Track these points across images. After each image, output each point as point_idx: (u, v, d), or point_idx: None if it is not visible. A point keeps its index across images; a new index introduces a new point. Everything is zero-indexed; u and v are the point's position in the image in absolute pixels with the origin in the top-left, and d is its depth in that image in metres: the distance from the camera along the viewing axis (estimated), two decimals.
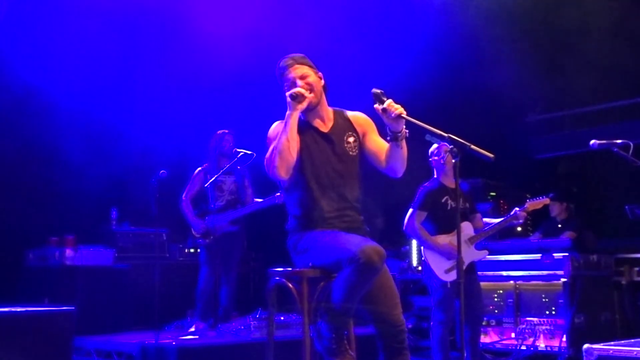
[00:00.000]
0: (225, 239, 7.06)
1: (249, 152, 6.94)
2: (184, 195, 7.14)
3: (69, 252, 7.35)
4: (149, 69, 8.40)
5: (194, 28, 8.43)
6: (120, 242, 7.94)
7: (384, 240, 3.66)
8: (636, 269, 7.46)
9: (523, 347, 7.16)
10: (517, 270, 7.40)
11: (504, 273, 7.58)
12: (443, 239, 5.77)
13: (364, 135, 4.01)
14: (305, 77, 3.91)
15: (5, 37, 7.66)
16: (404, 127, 3.72)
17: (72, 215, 7.87)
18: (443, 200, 5.83)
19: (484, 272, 7.74)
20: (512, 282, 7.52)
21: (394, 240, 8.92)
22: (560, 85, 9.13)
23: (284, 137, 3.75)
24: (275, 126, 3.95)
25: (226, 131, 7.19)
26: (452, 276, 5.64)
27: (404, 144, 3.78)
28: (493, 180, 8.95)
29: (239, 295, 7.47)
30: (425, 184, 5.95)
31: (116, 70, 8.19)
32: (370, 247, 3.54)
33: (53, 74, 7.78)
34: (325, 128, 3.96)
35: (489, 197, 8.83)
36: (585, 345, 4.16)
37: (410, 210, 5.93)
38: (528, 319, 7.23)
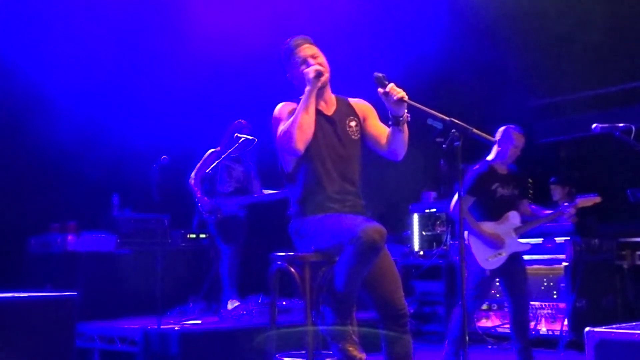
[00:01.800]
0: (230, 222, 7.10)
1: (251, 137, 6.95)
2: (193, 174, 7.17)
3: (71, 238, 7.37)
4: (151, 54, 8.37)
5: (192, 14, 8.40)
6: (122, 228, 7.93)
7: (385, 225, 3.65)
8: (638, 252, 7.47)
9: None
10: None
11: None
12: (489, 227, 5.60)
13: (364, 119, 4.02)
14: (316, 56, 3.92)
15: (1, 30, 7.64)
16: (406, 111, 3.73)
17: (74, 201, 7.87)
18: (493, 186, 5.65)
19: None
20: None
21: (396, 225, 8.94)
22: (562, 69, 9.11)
23: (304, 112, 3.76)
24: (282, 106, 3.95)
25: (243, 122, 7.22)
26: (492, 264, 5.53)
27: (405, 128, 3.79)
28: None
29: (241, 280, 7.49)
30: (475, 167, 5.74)
31: (119, 55, 8.16)
32: (371, 226, 3.55)
33: (53, 61, 7.76)
34: (328, 112, 3.97)
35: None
36: (587, 329, 4.16)
37: (457, 194, 5.80)
38: (530, 303, 7.23)
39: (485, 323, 7.68)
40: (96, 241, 7.55)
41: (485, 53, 8.88)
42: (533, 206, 5.96)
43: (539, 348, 6.48)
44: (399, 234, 8.97)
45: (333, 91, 4.04)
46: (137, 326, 6.39)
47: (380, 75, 3.74)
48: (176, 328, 6.11)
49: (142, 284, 7.45)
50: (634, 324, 4.44)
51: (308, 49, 3.94)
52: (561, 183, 8.10)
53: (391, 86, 3.68)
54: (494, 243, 5.53)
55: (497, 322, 7.58)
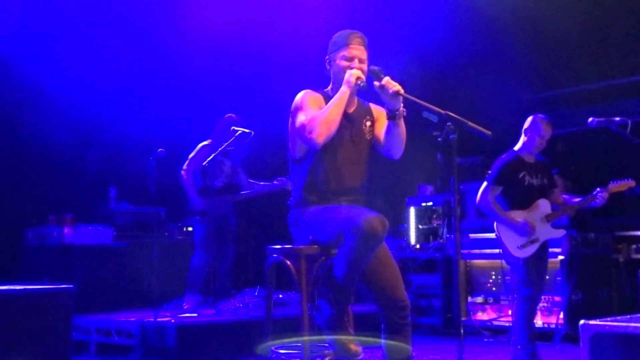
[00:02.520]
0: (221, 219, 7.16)
1: (247, 131, 6.94)
2: (185, 166, 7.17)
3: (67, 231, 7.37)
4: (147, 46, 8.36)
5: (187, 6, 8.39)
6: (118, 220, 7.93)
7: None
8: (633, 246, 7.49)
9: None
10: None
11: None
12: (518, 215, 5.58)
13: (376, 120, 4.04)
14: (363, 62, 3.91)
15: None
16: (402, 105, 3.74)
17: (70, 193, 7.87)
18: (520, 175, 5.64)
19: (482, 250, 7.79)
20: None
21: (392, 218, 8.94)
22: (558, 63, 9.11)
23: (336, 109, 3.76)
24: (304, 94, 3.93)
25: (233, 115, 7.23)
26: (525, 253, 5.51)
27: (402, 123, 3.80)
28: (491, 158, 8.94)
29: (237, 273, 7.51)
30: (502, 157, 5.75)
31: (115, 48, 8.14)
32: (373, 216, 3.58)
33: (50, 55, 7.76)
34: (349, 109, 3.96)
35: (486, 175, 8.82)
36: (582, 321, 4.18)
37: (485, 183, 5.72)
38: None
39: (481, 316, 7.70)
40: (93, 234, 7.55)
41: (482, 47, 8.87)
42: (565, 195, 5.94)
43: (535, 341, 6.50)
44: (396, 227, 8.98)
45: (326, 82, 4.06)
46: (133, 319, 6.40)
47: (376, 68, 3.77)
48: (172, 321, 6.12)
49: (139, 276, 7.46)
50: (628, 316, 4.45)
51: (360, 51, 3.90)
52: (563, 175, 8.10)
53: (387, 79, 3.69)
54: (525, 230, 5.50)
55: (493, 315, 7.59)
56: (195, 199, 7.14)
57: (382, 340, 3.77)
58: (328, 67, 4.00)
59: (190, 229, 8.18)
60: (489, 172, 5.77)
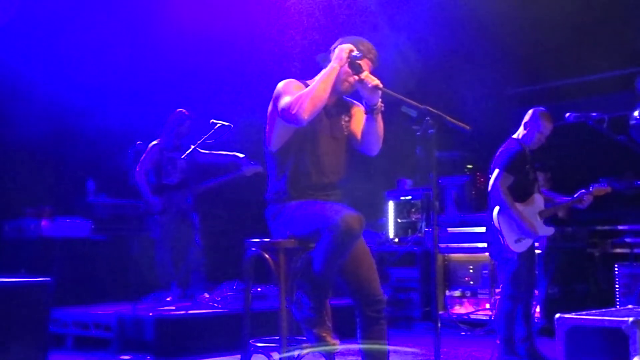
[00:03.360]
0: (180, 215, 7.20)
1: (226, 124, 6.91)
2: (137, 168, 7.14)
3: (45, 224, 7.33)
4: (126, 39, 8.31)
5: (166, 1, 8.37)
6: (97, 213, 7.90)
7: (361, 212, 3.67)
8: (609, 241, 7.55)
9: None
10: None
11: (480, 245, 7.63)
12: (518, 208, 5.50)
13: (352, 116, 3.99)
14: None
15: None
16: (380, 100, 3.74)
17: (48, 186, 7.83)
18: (527, 167, 5.58)
19: (461, 244, 7.84)
20: (487, 253, 7.55)
21: (371, 212, 8.97)
22: (537, 59, 9.16)
23: (323, 85, 3.69)
24: (288, 82, 3.84)
25: (184, 110, 7.23)
26: (521, 247, 5.46)
27: (379, 118, 3.79)
28: (470, 152, 8.99)
29: (216, 266, 7.50)
30: (509, 145, 5.63)
31: (94, 41, 8.09)
32: (350, 214, 3.58)
33: (28, 47, 7.71)
34: (329, 105, 3.89)
35: (465, 170, 8.88)
36: (557, 315, 4.22)
37: (496, 171, 5.53)
38: None
39: (459, 310, 7.75)
40: (71, 226, 7.52)
41: (461, 42, 8.91)
42: (546, 191, 5.95)
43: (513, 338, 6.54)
44: (375, 221, 9.01)
45: (303, 77, 4.02)
46: (111, 312, 6.38)
47: (356, 62, 3.75)
48: (151, 314, 6.10)
49: (117, 269, 7.44)
50: (604, 310, 4.50)
51: (371, 70, 3.79)
52: (544, 170, 8.15)
53: (366, 74, 3.69)
54: (527, 230, 5.43)
55: (471, 309, 7.64)
56: (153, 199, 7.11)
57: (359, 336, 3.79)
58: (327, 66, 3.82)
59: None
60: (498, 159, 5.58)
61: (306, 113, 3.62)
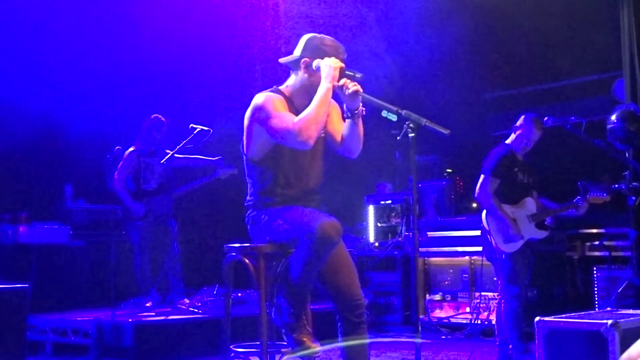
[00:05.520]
0: (160, 221, 7.24)
1: (206, 129, 6.89)
2: (116, 175, 7.14)
3: (22, 230, 7.26)
4: (102, 44, 8.26)
5: (143, 5, 8.33)
6: (75, 219, 7.85)
7: (340, 217, 3.68)
8: (588, 244, 7.59)
9: (477, 322, 7.27)
10: (472, 245, 7.43)
11: (459, 249, 7.67)
12: (507, 209, 5.55)
13: (327, 116, 3.90)
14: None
15: None
16: (361, 105, 3.74)
17: (25, 191, 7.76)
18: (515, 170, 5.65)
19: (441, 248, 7.86)
20: (467, 257, 7.62)
21: (351, 217, 8.98)
22: (515, 63, 9.22)
23: (323, 108, 3.70)
24: (268, 97, 3.80)
25: (160, 116, 7.25)
26: (511, 247, 5.50)
27: (360, 122, 3.80)
28: (449, 157, 9.03)
29: (196, 271, 7.47)
30: (497, 149, 5.73)
31: (70, 47, 8.04)
32: (327, 222, 3.58)
33: (2, 54, 7.63)
34: (304, 106, 3.83)
35: (445, 174, 8.92)
36: (537, 318, 4.24)
37: (483, 176, 5.65)
38: (483, 293, 7.32)
39: (439, 313, 7.76)
40: (49, 232, 7.46)
41: (440, 47, 8.95)
42: (541, 199, 5.97)
43: (491, 337, 6.57)
44: (355, 225, 9.01)
45: (282, 80, 4.01)
46: (90, 318, 6.33)
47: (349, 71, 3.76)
48: (130, 320, 6.06)
49: (96, 275, 7.39)
50: (582, 313, 4.53)
51: (340, 69, 3.75)
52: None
53: (345, 80, 3.69)
54: (511, 233, 5.47)
55: (451, 313, 7.65)
56: (133, 205, 7.12)
57: (340, 340, 3.78)
58: (302, 69, 3.84)
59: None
60: (485, 164, 5.68)
61: (312, 139, 3.67)
